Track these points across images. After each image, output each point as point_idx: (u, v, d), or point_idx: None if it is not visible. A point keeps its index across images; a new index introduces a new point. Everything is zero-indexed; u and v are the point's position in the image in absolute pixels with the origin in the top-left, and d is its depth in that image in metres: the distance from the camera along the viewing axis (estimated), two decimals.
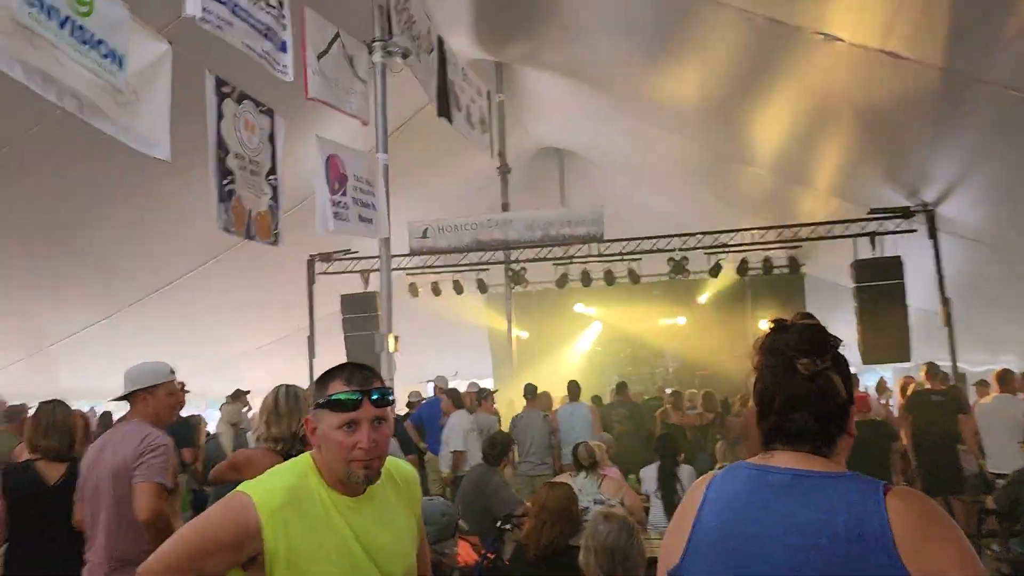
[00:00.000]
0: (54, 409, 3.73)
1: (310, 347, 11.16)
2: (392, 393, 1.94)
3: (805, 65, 7.33)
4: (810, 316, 1.52)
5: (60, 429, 3.64)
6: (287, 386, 3.47)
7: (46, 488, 3.56)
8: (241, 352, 13.41)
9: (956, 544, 1.31)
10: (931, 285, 9.67)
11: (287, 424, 3.31)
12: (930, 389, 8.03)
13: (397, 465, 2.03)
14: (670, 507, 5.99)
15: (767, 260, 11.50)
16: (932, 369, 8.44)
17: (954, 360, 9.62)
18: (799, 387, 1.43)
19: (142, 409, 3.40)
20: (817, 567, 1.31)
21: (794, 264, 11.62)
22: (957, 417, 7.48)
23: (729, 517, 1.43)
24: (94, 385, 10.56)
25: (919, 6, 5.79)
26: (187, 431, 6.60)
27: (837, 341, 1.49)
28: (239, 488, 1.82)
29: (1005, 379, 7.66)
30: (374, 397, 1.84)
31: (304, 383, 3.86)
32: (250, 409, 8.26)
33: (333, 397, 1.82)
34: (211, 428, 8.04)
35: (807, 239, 10.86)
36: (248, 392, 8.50)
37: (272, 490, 1.81)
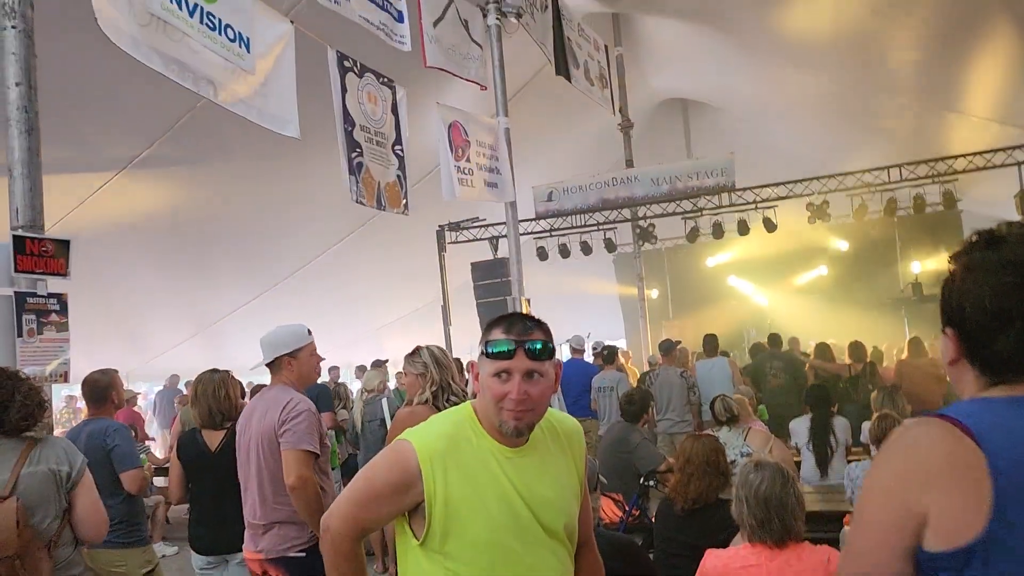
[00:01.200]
0: (203, 378, 3.97)
1: (444, 316, 11.42)
2: (553, 347, 1.87)
3: None
4: (1022, 225, 1.30)
5: (210, 397, 3.87)
6: (423, 348, 3.56)
7: (210, 454, 3.81)
8: (382, 325, 13.94)
9: None
10: None
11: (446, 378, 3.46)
12: None
13: (560, 418, 1.99)
14: (823, 460, 5.73)
15: (918, 198, 10.56)
16: None
17: None
18: None
19: (287, 374, 3.49)
20: None
21: (949, 199, 10.57)
22: None
23: None
24: (253, 359, 11.39)
25: None
26: (326, 397, 6.84)
27: None
28: (400, 435, 1.86)
29: None
30: (529, 347, 1.79)
31: None
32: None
33: (490, 344, 1.81)
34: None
35: (963, 171, 9.96)
36: (387, 361, 8.79)
37: (430, 436, 1.83)
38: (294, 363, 3.49)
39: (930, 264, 13.45)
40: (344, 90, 4.99)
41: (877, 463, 1.30)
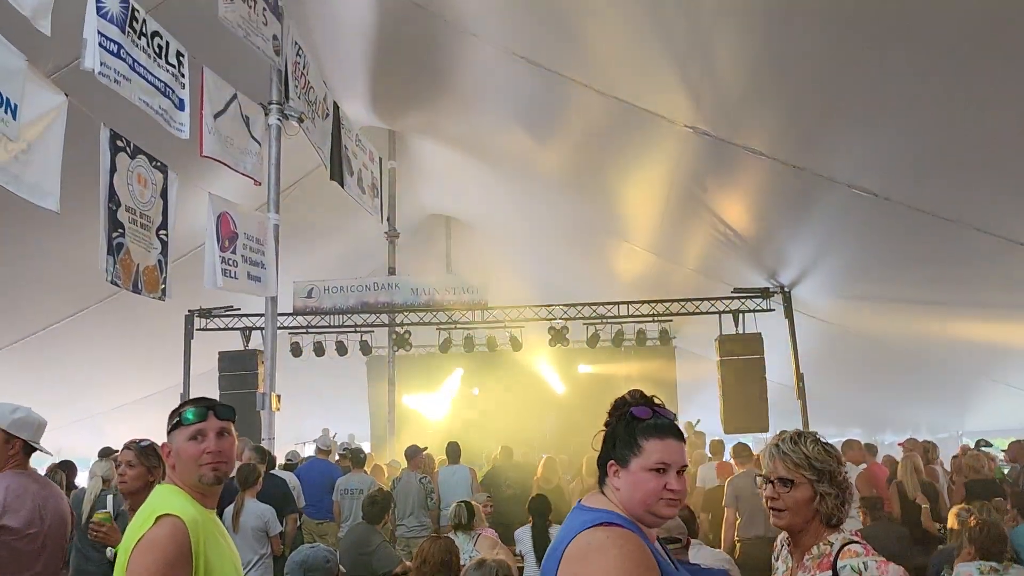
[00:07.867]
0: None
1: None
2: (234, 412, 2.23)
3: (679, 154, 8.01)
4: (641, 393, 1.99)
5: None
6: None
7: None
8: (108, 409, 12.74)
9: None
10: (787, 360, 10.47)
11: None
12: None
13: None
14: None
15: (641, 332, 12.09)
16: None
17: None
18: None
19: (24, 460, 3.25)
20: None
21: (665, 336, 12.27)
22: None
23: None
24: None
25: (775, 111, 6.54)
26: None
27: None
28: (156, 512, 2.03)
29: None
30: (218, 411, 2.17)
31: None
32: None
33: (183, 414, 2.15)
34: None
35: (677, 314, 11.56)
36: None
37: (186, 513, 2.06)
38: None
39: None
40: (113, 169, 4.90)
41: (611, 554, 1.67)
